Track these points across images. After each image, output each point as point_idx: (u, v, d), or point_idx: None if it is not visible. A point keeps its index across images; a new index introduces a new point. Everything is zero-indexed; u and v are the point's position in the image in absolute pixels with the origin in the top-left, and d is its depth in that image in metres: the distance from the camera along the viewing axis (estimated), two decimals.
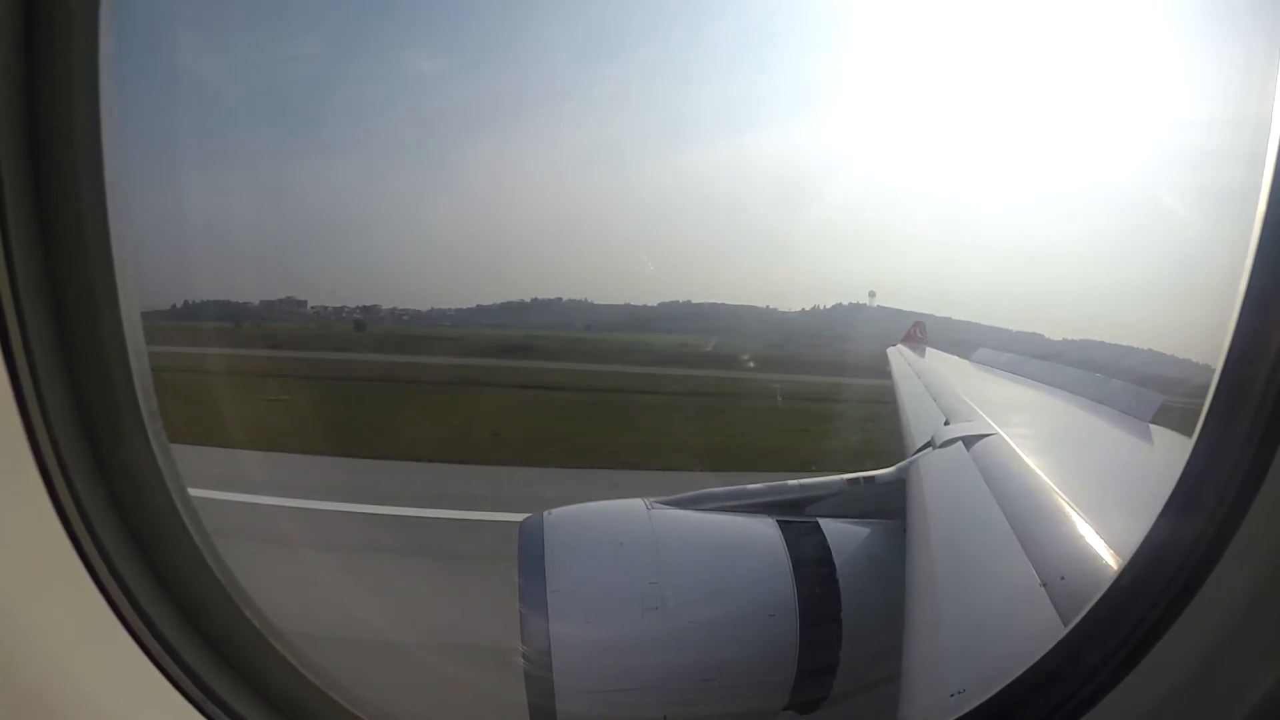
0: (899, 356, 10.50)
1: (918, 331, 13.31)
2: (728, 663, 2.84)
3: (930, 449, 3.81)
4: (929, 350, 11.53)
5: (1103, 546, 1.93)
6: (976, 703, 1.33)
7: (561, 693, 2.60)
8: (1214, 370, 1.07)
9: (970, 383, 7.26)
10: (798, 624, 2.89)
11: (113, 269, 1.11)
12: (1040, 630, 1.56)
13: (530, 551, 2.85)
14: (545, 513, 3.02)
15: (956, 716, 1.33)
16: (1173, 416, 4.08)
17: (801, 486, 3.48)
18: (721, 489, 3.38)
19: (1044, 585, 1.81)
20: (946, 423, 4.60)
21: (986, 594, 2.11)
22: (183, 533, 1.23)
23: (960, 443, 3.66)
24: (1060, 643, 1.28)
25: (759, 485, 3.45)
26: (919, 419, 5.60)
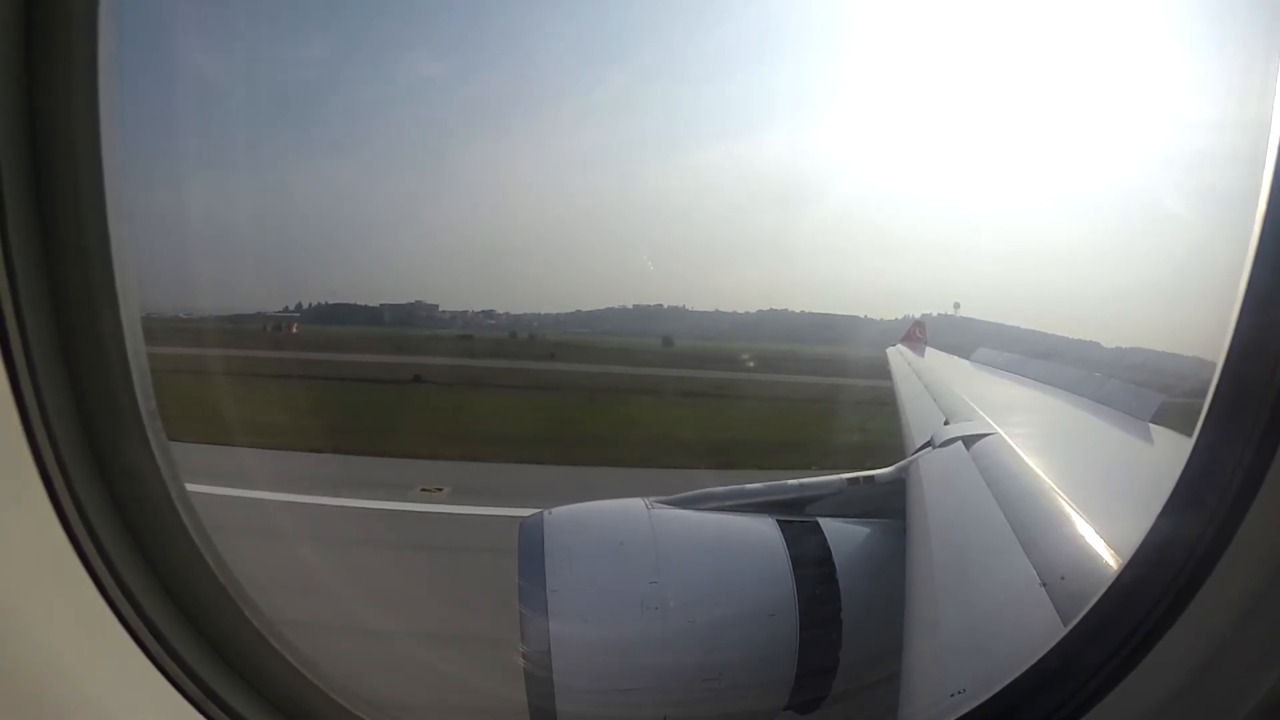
0: (899, 356, 10.49)
1: (917, 331, 13.30)
2: (728, 662, 2.84)
3: (930, 448, 3.81)
4: (928, 350, 11.53)
5: (1103, 546, 1.93)
6: (976, 703, 1.33)
7: (561, 693, 2.60)
8: (1214, 370, 1.07)
9: (970, 382, 7.26)
10: (798, 624, 2.88)
11: (113, 270, 1.10)
12: (1040, 630, 1.56)
13: (530, 551, 2.85)
14: (545, 512, 3.02)
15: (956, 717, 1.33)
16: (1173, 416, 4.08)
17: (801, 486, 3.47)
18: (721, 489, 3.37)
19: (1044, 585, 1.81)
20: (946, 422, 4.60)
21: (986, 594, 2.11)
22: (182, 532, 1.22)
23: (960, 442, 3.65)
24: (1060, 643, 1.28)
25: (759, 485, 3.45)
26: (919, 418, 5.60)
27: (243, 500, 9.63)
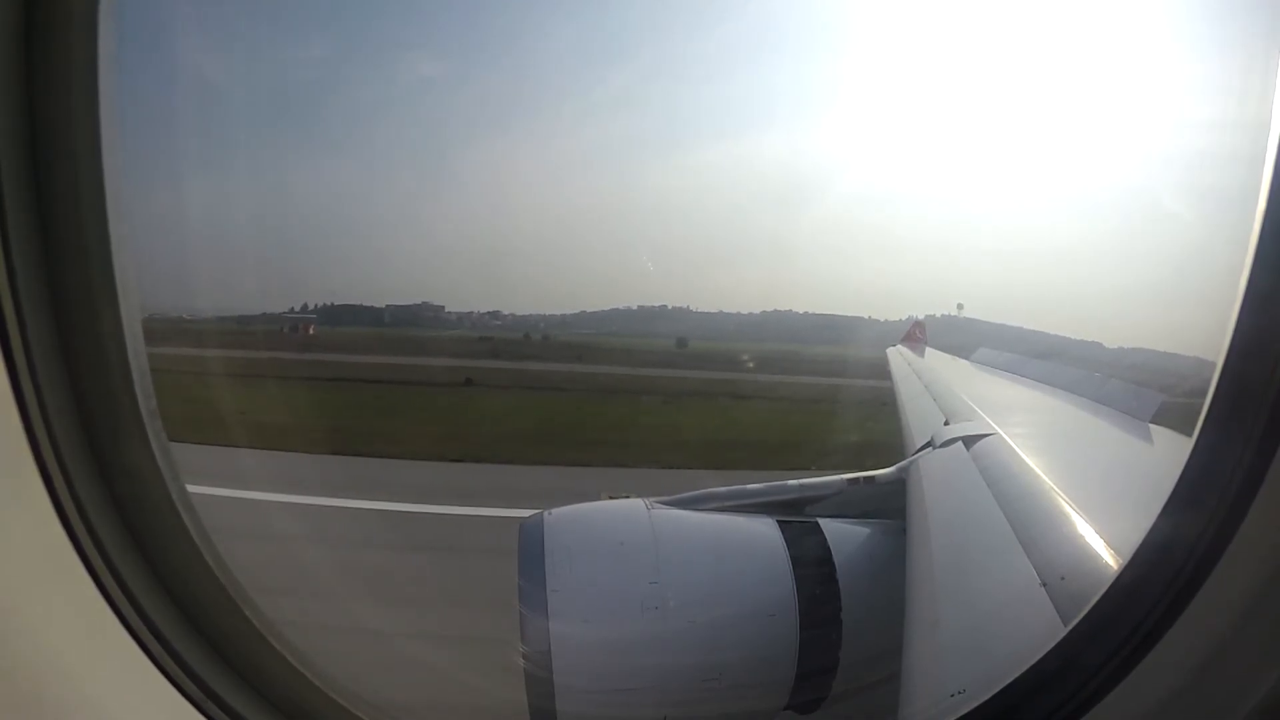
0: (899, 357, 10.49)
1: (917, 331, 13.31)
2: (728, 662, 2.84)
3: (930, 449, 3.81)
4: (928, 350, 11.54)
5: (1103, 546, 1.93)
6: (976, 703, 1.33)
7: (561, 693, 2.60)
8: (1214, 370, 1.07)
9: (970, 382, 7.26)
10: (798, 624, 2.88)
11: (113, 270, 1.10)
12: (1040, 630, 1.56)
13: (530, 551, 2.85)
14: (545, 512, 3.02)
15: (956, 717, 1.33)
16: (1173, 416, 4.08)
17: (801, 486, 3.47)
18: (722, 489, 3.37)
19: (1044, 585, 1.81)
20: (946, 423, 4.60)
21: (986, 594, 2.11)
22: (182, 532, 1.23)
23: (960, 442, 3.66)
24: (1060, 643, 1.28)
25: (759, 485, 3.45)
26: (919, 419, 5.60)
27: (427, 516, 9.57)
